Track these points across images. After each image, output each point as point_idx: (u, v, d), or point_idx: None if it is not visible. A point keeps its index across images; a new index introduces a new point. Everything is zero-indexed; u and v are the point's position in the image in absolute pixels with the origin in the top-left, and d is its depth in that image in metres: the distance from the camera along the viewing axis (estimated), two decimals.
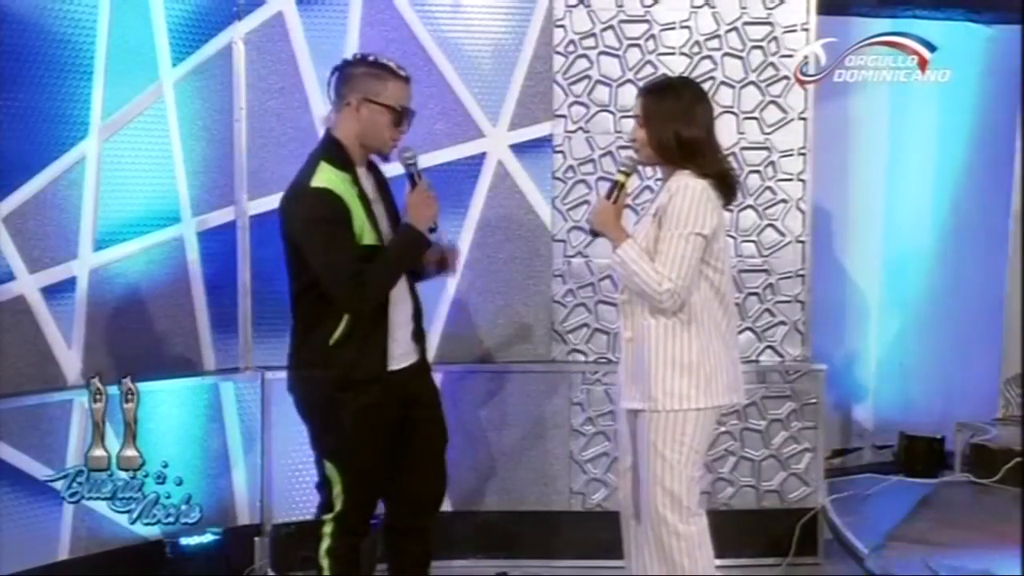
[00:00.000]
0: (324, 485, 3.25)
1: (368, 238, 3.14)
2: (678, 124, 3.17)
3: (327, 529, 3.25)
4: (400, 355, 3.25)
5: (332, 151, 3.18)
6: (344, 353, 3.16)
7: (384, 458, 3.26)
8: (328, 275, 3.12)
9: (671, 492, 3.18)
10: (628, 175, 3.30)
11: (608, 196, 3.28)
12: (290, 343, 3.33)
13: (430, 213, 3.18)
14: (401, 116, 3.18)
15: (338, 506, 3.22)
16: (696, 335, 3.18)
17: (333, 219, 3.09)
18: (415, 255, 3.21)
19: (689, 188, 3.13)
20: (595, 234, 3.35)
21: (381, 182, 3.32)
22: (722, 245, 3.24)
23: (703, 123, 3.22)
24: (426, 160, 4.20)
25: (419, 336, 3.34)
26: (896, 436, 5.69)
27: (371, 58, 3.20)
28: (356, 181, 3.17)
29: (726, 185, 3.21)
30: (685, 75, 4.17)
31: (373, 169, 3.30)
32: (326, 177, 3.12)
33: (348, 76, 3.18)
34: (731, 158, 4.04)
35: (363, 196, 3.17)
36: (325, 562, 3.26)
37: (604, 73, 4.37)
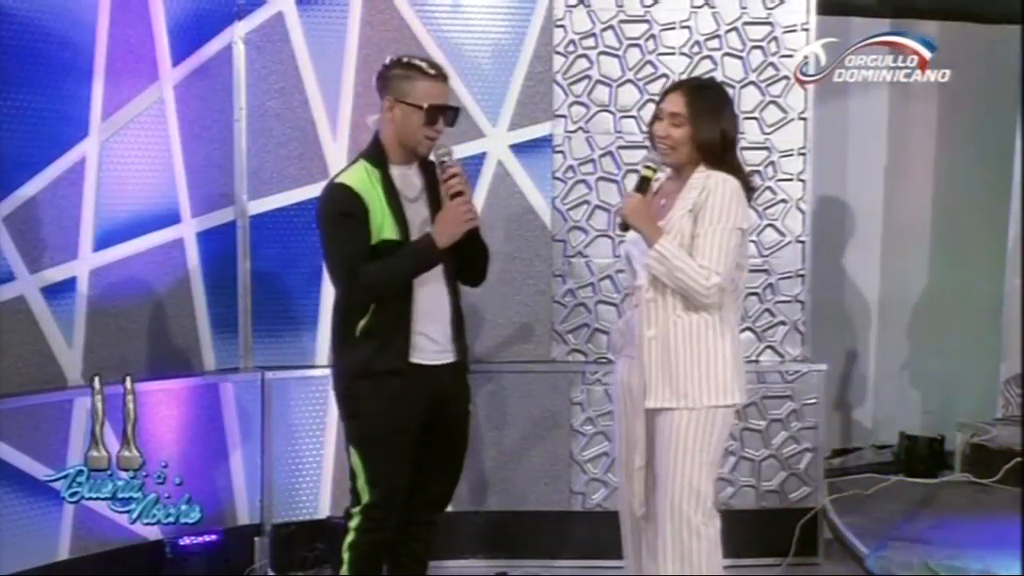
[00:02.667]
0: (351, 476, 3.30)
1: (389, 233, 3.19)
2: (724, 123, 3.19)
3: (353, 523, 3.29)
4: (433, 351, 3.27)
5: (371, 149, 3.29)
6: (367, 344, 3.22)
7: (407, 451, 3.28)
8: (329, 265, 3.27)
9: (698, 491, 3.16)
10: (655, 171, 3.26)
11: (638, 190, 3.24)
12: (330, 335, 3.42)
13: (457, 230, 3.20)
14: (433, 114, 3.20)
15: (364, 498, 3.26)
16: (726, 331, 3.19)
17: (346, 213, 3.17)
18: (422, 266, 3.22)
19: (728, 184, 3.14)
20: (625, 228, 3.27)
21: (433, 182, 3.32)
22: (747, 244, 3.27)
23: (736, 125, 3.28)
24: None
25: (459, 336, 3.35)
26: (896, 436, 5.69)
27: (404, 59, 3.26)
28: (386, 178, 3.22)
29: (747, 188, 3.24)
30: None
31: (427, 169, 3.32)
32: (352, 175, 3.23)
33: (384, 79, 3.25)
34: None
35: (391, 193, 3.21)
36: (347, 555, 3.29)
37: (604, 73, 4.37)
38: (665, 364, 3.18)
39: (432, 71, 3.22)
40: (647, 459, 3.29)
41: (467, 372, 3.44)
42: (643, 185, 3.24)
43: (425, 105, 3.19)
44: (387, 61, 3.29)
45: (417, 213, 3.26)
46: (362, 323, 3.22)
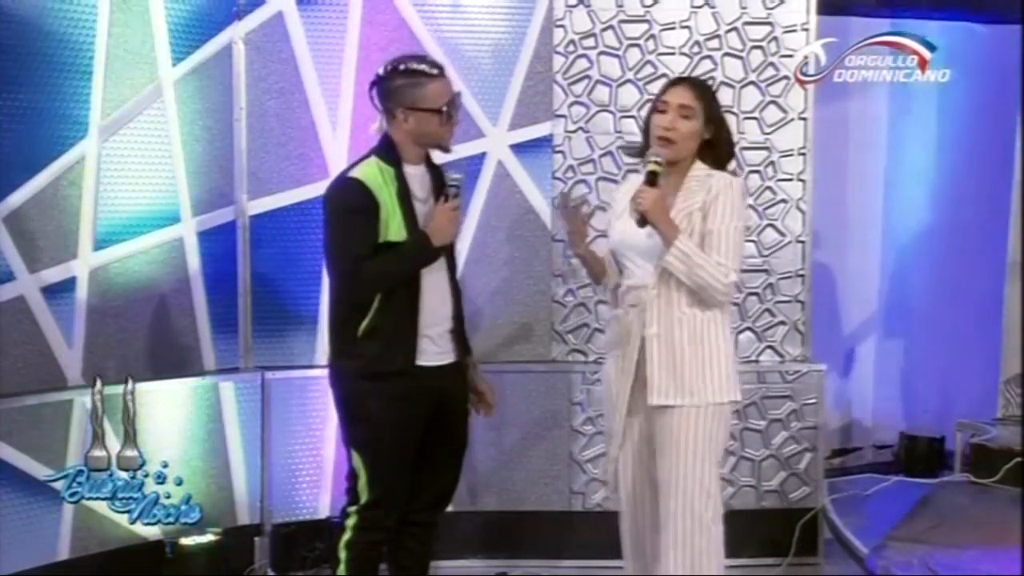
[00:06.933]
0: (352, 476, 3.30)
1: (395, 234, 3.19)
2: (726, 125, 3.28)
3: (350, 521, 3.29)
4: (435, 352, 3.28)
5: (383, 148, 3.27)
6: (371, 344, 3.21)
7: (411, 452, 3.29)
8: (331, 258, 3.24)
9: (709, 491, 3.16)
10: (662, 166, 3.18)
11: (647, 185, 3.15)
12: (327, 335, 3.40)
13: (450, 229, 3.24)
14: (450, 111, 3.23)
15: (363, 498, 3.26)
16: (726, 328, 3.22)
17: (356, 208, 3.16)
18: (420, 262, 3.23)
19: (735, 184, 3.20)
20: (643, 223, 3.14)
21: (438, 184, 3.33)
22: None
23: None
24: None
25: (459, 336, 3.37)
26: (896, 436, 5.70)
27: (402, 66, 3.22)
28: (400, 177, 3.23)
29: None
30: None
31: (434, 170, 3.34)
32: (365, 170, 3.22)
33: (387, 90, 3.22)
34: None
35: (404, 193, 3.22)
36: (343, 554, 3.29)
37: (604, 73, 4.37)
38: (669, 361, 3.17)
39: (435, 71, 3.23)
40: (644, 459, 3.28)
41: (466, 371, 3.44)
42: (652, 179, 3.16)
43: (443, 108, 3.21)
44: (383, 71, 3.24)
45: (424, 215, 3.26)
46: (364, 323, 3.21)
